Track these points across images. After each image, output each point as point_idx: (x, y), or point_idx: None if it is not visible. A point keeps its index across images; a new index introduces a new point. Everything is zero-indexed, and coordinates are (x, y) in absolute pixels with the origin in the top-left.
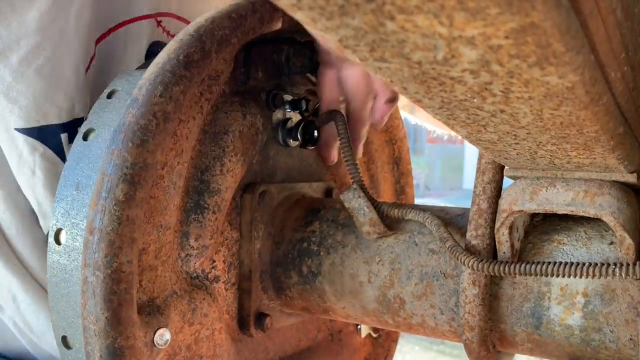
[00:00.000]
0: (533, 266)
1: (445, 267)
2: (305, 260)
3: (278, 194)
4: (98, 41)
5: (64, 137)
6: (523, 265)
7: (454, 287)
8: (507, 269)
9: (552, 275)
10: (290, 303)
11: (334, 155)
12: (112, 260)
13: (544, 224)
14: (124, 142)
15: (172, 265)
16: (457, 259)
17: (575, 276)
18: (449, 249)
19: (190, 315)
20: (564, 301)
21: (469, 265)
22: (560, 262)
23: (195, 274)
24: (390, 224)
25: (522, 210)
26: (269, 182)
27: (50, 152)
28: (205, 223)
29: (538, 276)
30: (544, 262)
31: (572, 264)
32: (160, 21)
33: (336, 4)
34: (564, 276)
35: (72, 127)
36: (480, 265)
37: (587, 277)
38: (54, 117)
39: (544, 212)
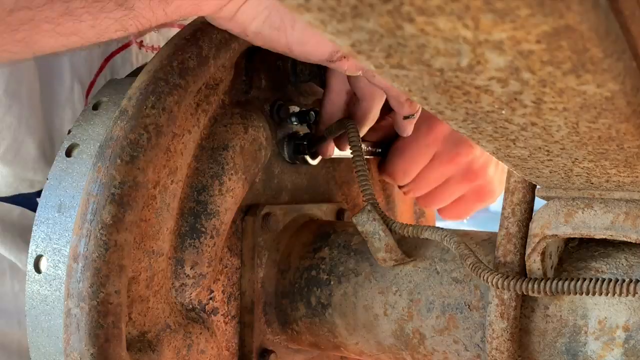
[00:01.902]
0: (567, 283)
1: (470, 298)
2: (314, 290)
3: (283, 217)
4: (88, 92)
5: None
6: (555, 282)
7: (480, 320)
8: (537, 286)
9: (589, 293)
10: (297, 338)
11: (331, 149)
12: (99, 290)
13: (580, 250)
14: (112, 158)
15: (166, 295)
16: (480, 276)
17: (616, 294)
18: (471, 266)
19: (186, 352)
20: (603, 336)
21: (494, 283)
22: (598, 279)
23: (191, 306)
24: (409, 250)
25: (556, 235)
26: (274, 203)
27: (28, 211)
28: (202, 249)
29: (572, 294)
30: (579, 279)
31: (609, 280)
32: (142, 41)
33: (348, 4)
34: (600, 294)
35: None
36: (506, 283)
37: (634, 295)
38: (26, 188)
39: (580, 236)
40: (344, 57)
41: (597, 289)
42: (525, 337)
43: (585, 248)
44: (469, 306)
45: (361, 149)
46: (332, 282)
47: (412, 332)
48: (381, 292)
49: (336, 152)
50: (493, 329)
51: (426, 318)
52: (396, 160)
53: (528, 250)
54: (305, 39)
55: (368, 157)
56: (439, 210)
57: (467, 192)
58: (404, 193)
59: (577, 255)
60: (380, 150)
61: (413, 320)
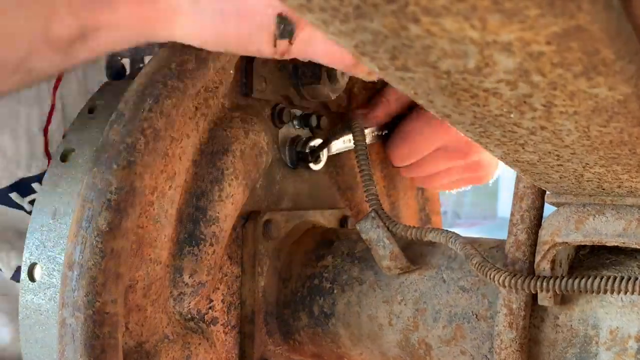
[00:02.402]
0: (577, 281)
1: (478, 308)
2: (317, 299)
3: (285, 224)
4: (55, 89)
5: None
6: (565, 280)
7: (488, 330)
8: (546, 284)
9: (600, 291)
10: (300, 349)
11: (379, 113)
12: (94, 299)
13: (591, 258)
14: (108, 163)
15: (164, 305)
16: (487, 275)
17: (629, 292)
18: (476, 265)
19: None
20: (614, 346)
21: (501, 282)
22: (609, 277)
23: (189, 315)
24: (414, 258)
25: (566, 242)
26: (275, 209)
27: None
28: (202, 257)
29: (583, 293)
30: (589, 277)
31: (620, 278)
32: None
33: (351, 4)
34: (612, 292)
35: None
36: (513, 281)
37: None
38: None
39: (592, 244)
40: (285, 53)
41: (608, 287)
42: (534, 348)
43: (596, 256)
44: (477, 316)
45: (366, 151)
46: (335, 291)
47: (418, 342)
48: (386, 301)
49: (336, 147)
50: (501, 340)
51: (432, 328)
52: (397, 143)
53: (537, 258)
54: (246, 47)
55: (374, 142)
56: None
57: (465, 176)
58: (402, 173)
59: (588, 263)
60: (386, 132)
61: (419, 330)
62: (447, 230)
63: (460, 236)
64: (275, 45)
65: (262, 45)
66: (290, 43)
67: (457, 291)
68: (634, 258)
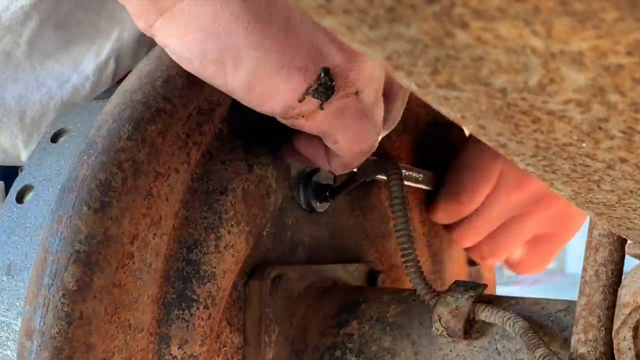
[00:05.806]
0: None
1: None
2: None
3: (299, 281)
4: None
5: None
6: None
7: None
8: None
9: None
10: None
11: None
12: None
13: None
14: (76, 205)
15: None
16: None
17: None
18: (540, 359)
19: None
20: None
21: None
22: None
23: None
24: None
25: None
26: (286, 262)
27: None
28: (194, 323)
29: None
30: None
31: None
32: None
33: (383, 5)
34: None
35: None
36: None
37: None
38: None
39: None
40: (302, 116)
41: None
42: None
43: None
44: None
45: (404, 200)
46: None
47: None
48: None
49: None
50: None
51: None
52: (464, 176)
53: (616, 324)
54: (252, 84)
55: (411, 184)
56: (510, 265)
57: (539, 231)
58: (456, 240)
59: None
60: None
61: None
62: (504, 309)
63: (521, 319)
64: (300, 101)
65: (281, 93)
66: (321, 108)
67: None
68: None
